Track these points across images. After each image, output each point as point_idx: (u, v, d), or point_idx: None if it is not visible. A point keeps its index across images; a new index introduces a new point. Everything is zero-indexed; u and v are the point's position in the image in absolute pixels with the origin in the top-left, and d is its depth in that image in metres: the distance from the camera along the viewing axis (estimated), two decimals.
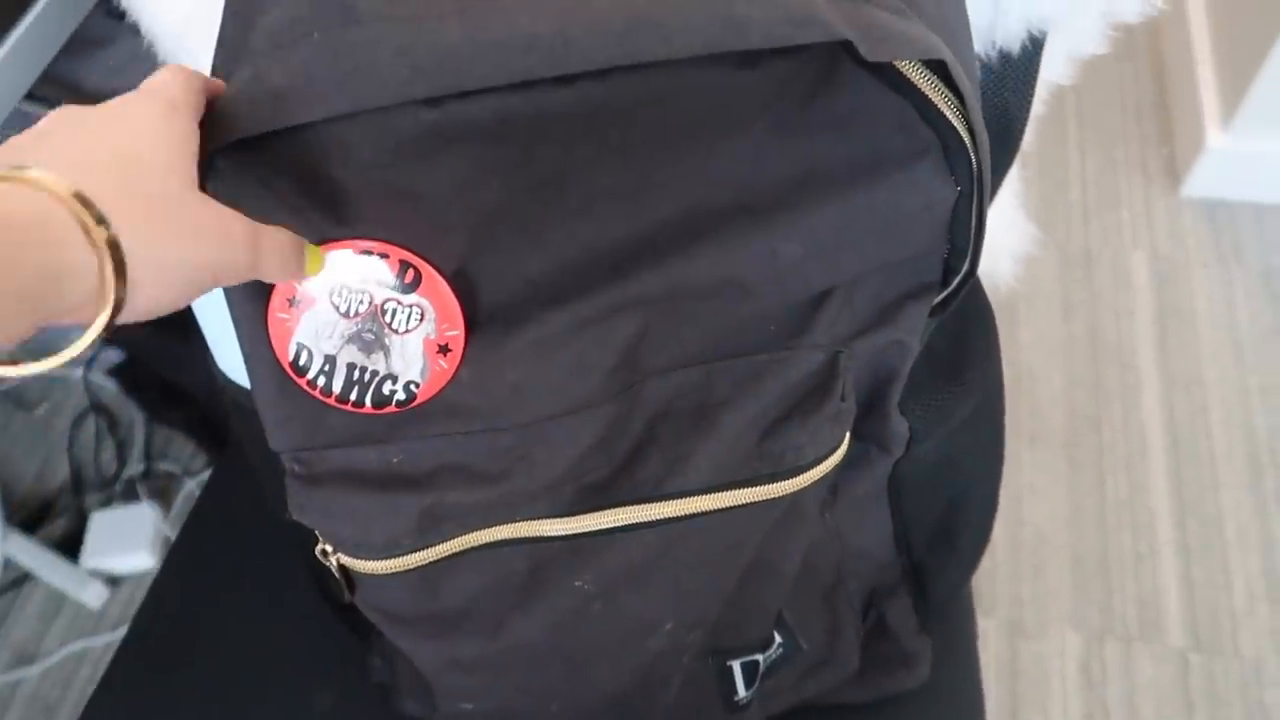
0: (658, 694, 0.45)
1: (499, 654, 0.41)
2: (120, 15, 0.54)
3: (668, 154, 0.33)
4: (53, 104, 0.99)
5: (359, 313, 0.36)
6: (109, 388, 1.05)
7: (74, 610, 0.98)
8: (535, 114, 0.31)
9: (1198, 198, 1.26)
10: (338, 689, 0.48)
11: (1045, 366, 1.11)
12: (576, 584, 0.39)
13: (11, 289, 0.22)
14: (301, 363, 0.36)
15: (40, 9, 0.53)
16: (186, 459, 1.04)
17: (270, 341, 0.36)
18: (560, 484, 0.38)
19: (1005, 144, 0.46)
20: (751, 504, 0.39)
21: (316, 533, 0.38)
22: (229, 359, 0.45)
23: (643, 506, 0.38)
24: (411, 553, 0.38)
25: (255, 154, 0.32)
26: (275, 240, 0.30)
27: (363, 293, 0.35)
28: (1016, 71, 0.44)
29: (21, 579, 0.99)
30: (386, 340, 0.36)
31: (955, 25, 0.36)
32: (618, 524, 0.38)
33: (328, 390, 0.37)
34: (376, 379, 0.37)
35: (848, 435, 0.40)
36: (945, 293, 0.40)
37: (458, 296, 0.35)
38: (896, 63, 0.32)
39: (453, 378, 0.36)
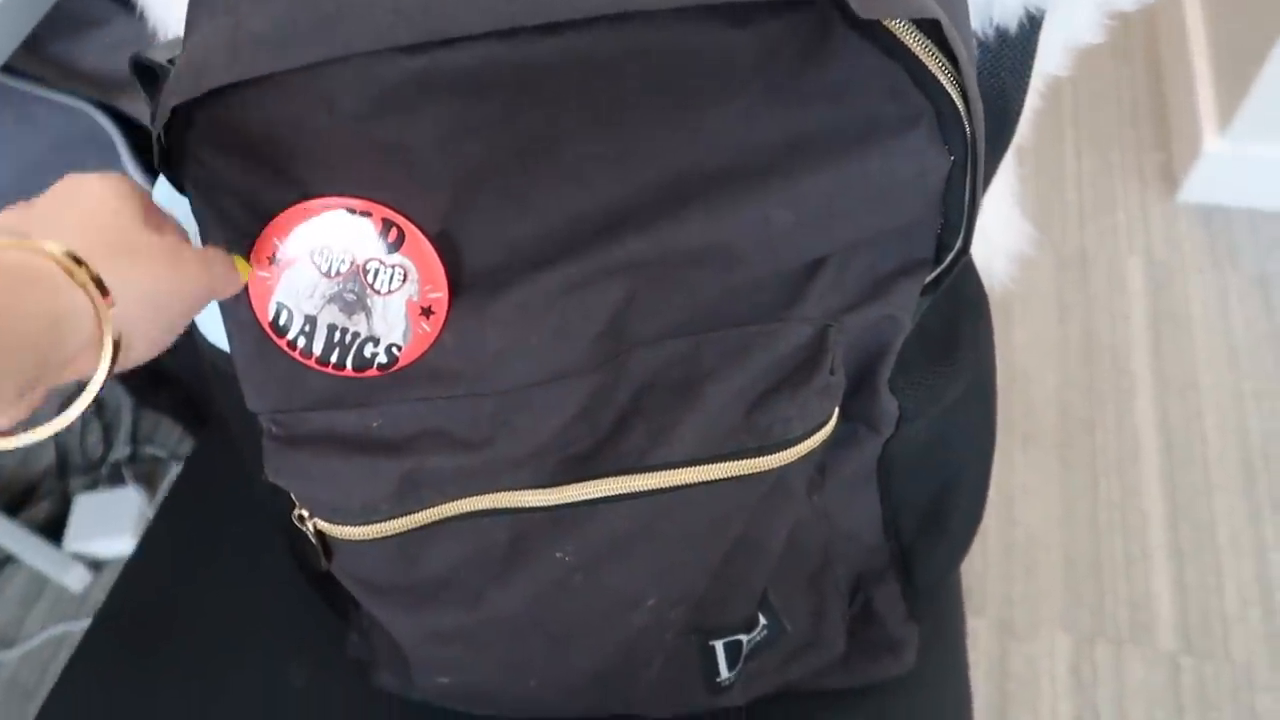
0: (639, 672, 0.44)
1: (478, 626, 0.40)
2: None
3: (657, 116, 0.33)
4: (49, 84, 0.97)
5: (340, 272, 0.35)
6: None
7: (56, 593, 0.97)
8: (520, 64, 0.30)
9: (1194, 202, 1.26)
10: (314, 665, 0.47)
11: (1039, 367, 1.11)
12: (558, 555, 0.39)
13: (16, 336, 0.25)
14: (281, 323, 0.36)
15: None
16: (173, 443, 1.03)
17: (250, 300, 0.36)
18: (543, 453, 0.37)
19: (1001, 127, 0.46)
20: (737, 478, 0.38)
21: (293, 497, 0.38)
22: (209, 322, 0.44)
23: (626, 478, 0.37)
24: (390, 519, 0.37)
25: (234, 108, 0.32)
26: (219, 257, 0.34)
27: (345, 252, 0.35)
28: (1013, 51, 0.43)
29: (3, 561, 0.98)
30: (368, 301, 0.36)
31: None
32: (600, 495, 0.38)
33: (308, 351, 0.36)
34: (358, 341, 0.36)
35: (836, 411, 0.39)
36: (938, 270, 0.40)
37: (441, 258, 0.35)
38: (889, 24, 0.31)
39: (435, 341, 0.36)
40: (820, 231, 0.36)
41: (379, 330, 0.36)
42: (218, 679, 0.48)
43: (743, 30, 0.31)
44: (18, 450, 1.05)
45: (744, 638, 0.45)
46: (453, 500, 0.38)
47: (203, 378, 0.47)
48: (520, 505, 0.38)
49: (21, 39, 0.59)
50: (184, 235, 0.33)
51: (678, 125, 0.33)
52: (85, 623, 0.93)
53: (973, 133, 0.35)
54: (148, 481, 1.02)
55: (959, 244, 0.38)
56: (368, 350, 0.36)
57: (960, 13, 0.38)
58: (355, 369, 0.36)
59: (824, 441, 0.39)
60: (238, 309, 0.35)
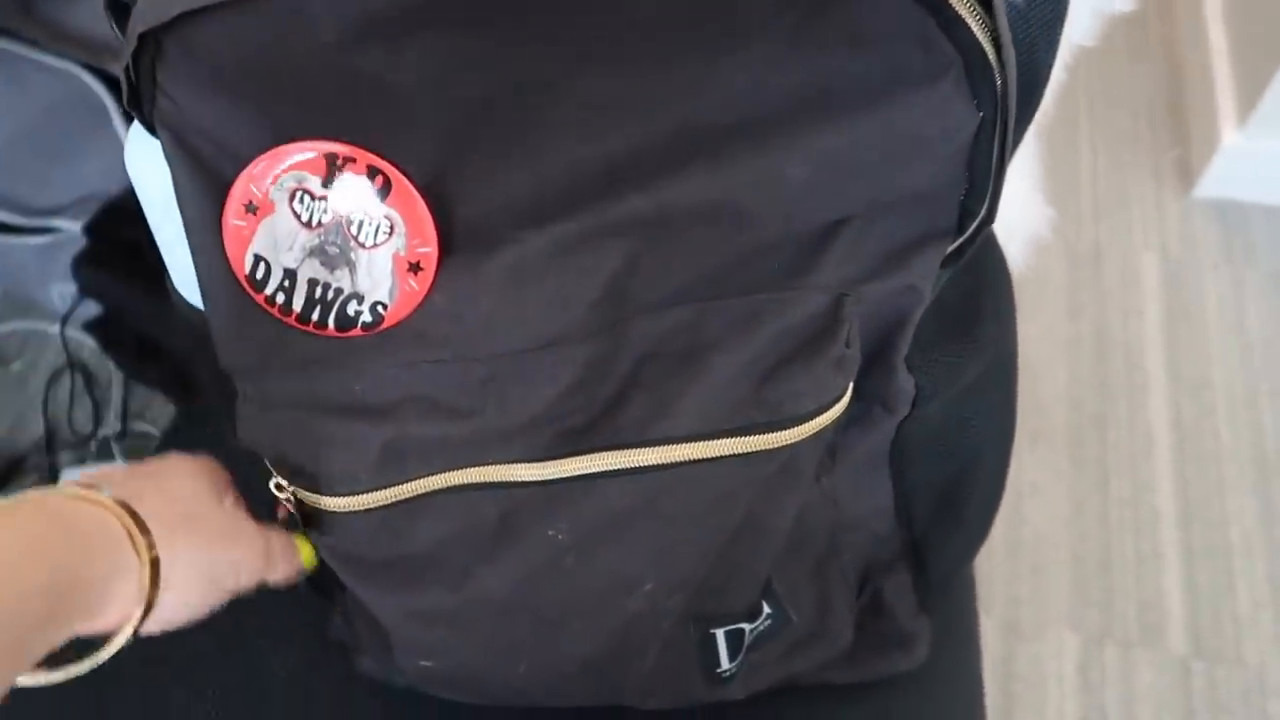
0: (634, 661, 0.42)
1: (464, 607, 0.38)
2: None
3: (666, 59, 0.30)
4: (41, 46, 0.95)
5: (322, 223, 0.33)
6: (89, 345, 1.02)
7: None
8: None
9: (1210, 199, 1.23)
10: (299, 650, 0.45)
11: (1050, 363, 1.08)
12: (550, 534, 0.36)
13: (68, 574, 0.28)
14: (259, 276, 0.33)
15: None
16: (164, 420, 1.01)
17: (225, 251, 0.33)
18: (536, 425, 0.35)
19: (1029, 91, 0.43)
20: (743, 455, 0.36)
21: (268, 463, 0.35)
22: (185, 275, 0.42)
23: (624, 452, 0.35)
24: (372, 491, 0.35)
25: (206, 35, 0.29)
26: (280, 538, 0.37)
27: (326, 200, 0.32)
28: (1045, 5, 0.41)
29: None
30: (352, 255, 0.33)
31: None
32: (597, 470, 0.35)
33: (287, 308, 0.34)
34: (340, 298, 0.34)
35: (850, 387, 0.37)
36: (961, 240, 0.37)
37: (431, 210, 0.32)
38: None
39: (423, 300, 0.33)
40: (837, 191, 0.33)
41: (363, 287, 0.33)
42: (198, 664, 0.45)
43: None
44: (3, 424, 1.03)
45: (746, 627, 0.43)
46: (440, 472, 0.35)
47: (195, 352, 0.45)
48: (511, 480, 0.36)
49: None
50: (250, 514, 0.36)
51: (687, 72, 0.30)
52: None
53: (1004, 87, 0.32)
54: (137, 458, 0.99)
55: (983, 211, 0.36)
56: (351, 308, 0.34)
57: None
58: (338, 328, 0.34)
59: (837, 419, 0.37)
60: (212, 260, 0.33)
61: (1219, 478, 0.99)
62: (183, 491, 0.34)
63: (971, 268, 0.42)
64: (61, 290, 0.96)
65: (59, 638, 0.28)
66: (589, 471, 0.35)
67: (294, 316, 0.34)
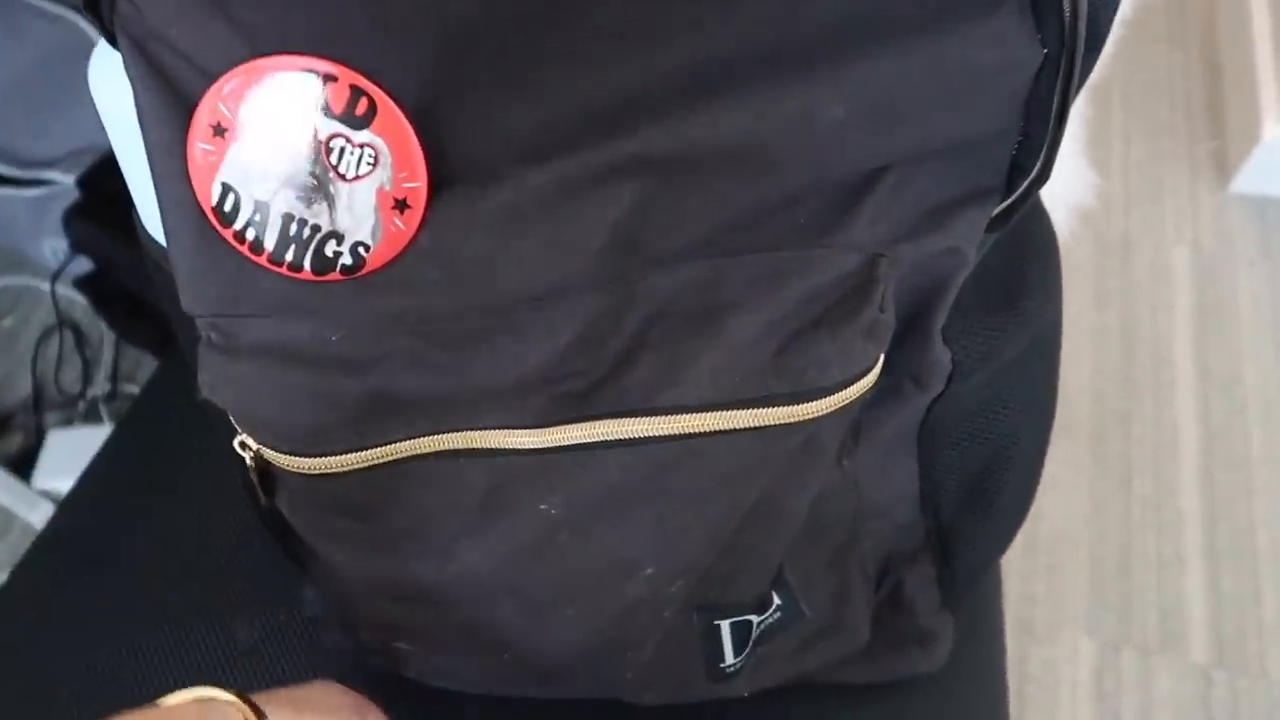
0: (631, 652, 0.38)
1: (444, 585, 0.34)
2: None
3: None
4: None
5: (298, 150, 0.29)
6: (81, 303, 0.99)
7: (21, 531, 0.92)
8: None
9: (1247, 193, 1.18)
10: (263, 622, 0.42)
11: (1074, 354, 1.04)
12: (542, 508, 0.33)
13: None
14: (227, 208, 0.30)
15: None
16: None
17: (189, 178, 0.30)
18: (531, 386, 0.31)
19: (1093, 37, 0.39)
20: (762, 428, 0.32)
21: (232, 419, 0.32)
22: (152, 210, 0.38)
23: (628, 420, 0.32)
24: (347, 453, 0.32)
25: None
26: None
27: (304, 124, 0.29)
28: None
29: None
30: (331, 188, 0.30)
31: None
32: (597, 439, 0.32)
33: (258, 246, 0.30)
34: (318, 236, 0.30)
35: (881, 357, 0.33)
36: (1010, 199, 0.34)
37: (420, 140, 0.29)
38: None
39: (410, 242, 0.30)
40: (876, 134, 0.29)
41: (343, 224, 0.30)
42: (155, 630, 0.42)
43: None
44: None
45: (754, 619, 0.39)
46: (423, 435, 0.32)
47: (168, 303, 0.42)
48: (501, 446, 0.32)
49: None
50: None
51: None
52: None
53: (1073, 19, 0.28)
54: None
55: (1037, 167, 0.32)
56: (329, 248, 0.30)
57: None
58: (315, 271, 0.30)
59: (865, 393, 0.33)
60: (175, 189, 0.30)
61: (1247, 480, 0.95)
62: (322, 706, 0.33)
63: (1017, 233, 0.38)
64: (54, 245, 0.93)
65: None
66: (588, 441, 0.32)
67: (265, 256, 0.30)
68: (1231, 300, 1.09)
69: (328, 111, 0.28)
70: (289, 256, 0.30)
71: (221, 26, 0.28)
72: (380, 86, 0.28)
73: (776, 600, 0.41)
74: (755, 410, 0.32)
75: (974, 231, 0.33)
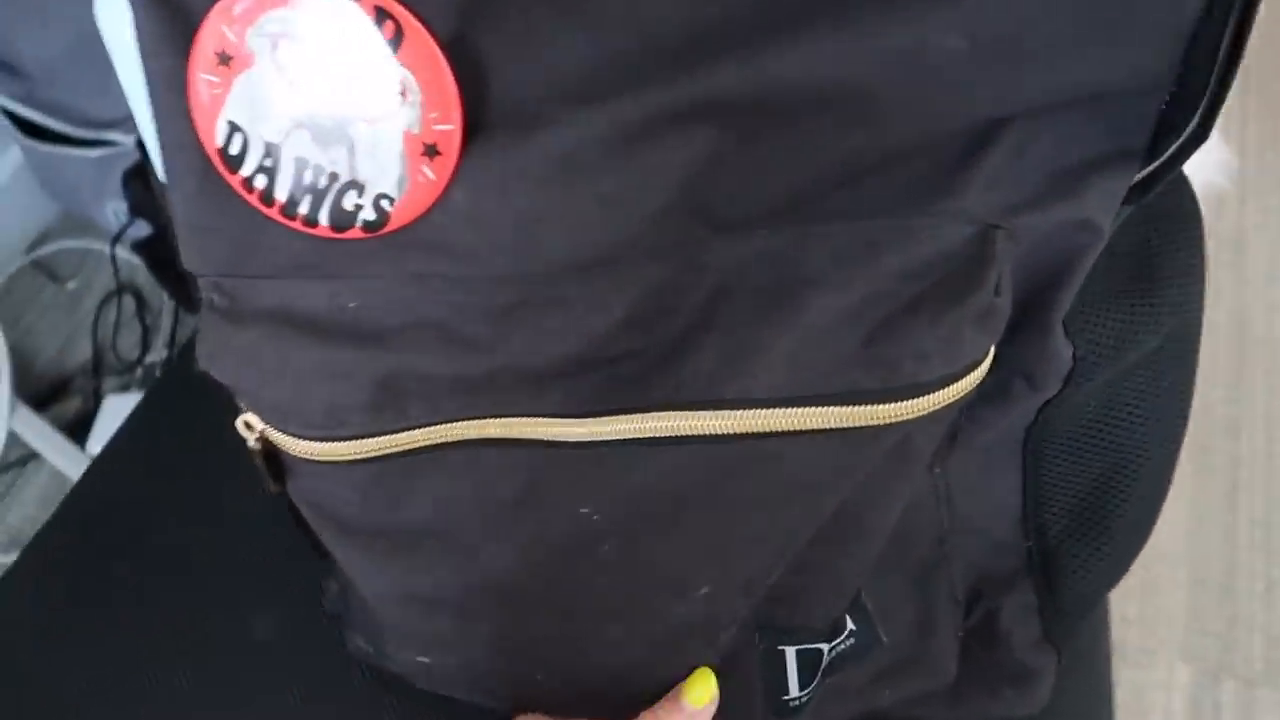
0: (680, 677, 0.34)
1: (468, 593, 0.30)
2: None
3: None
4: None
5: (314, 83, 0.25)
6: (143, 268, 0.99)
7: None
8: None
9: None
10: (282, 616, 0.38)
11: None
12: (583, 512, 0.28)
13: None
14: (233, 151, 0.26)
15: None
16: None
17: (191, 115, 0.26)
18: (576, 369, 0.27)
19: None
20: (845, 430, 0.27)
21: (235, 396, 0.28)
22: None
23: (688, 414, 0.27)
24: (363, 437, 0.28)
25: None
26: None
27: (320, 52, 0.25)
28: None
29: (26, 458, 0.93)
30: (351, 130, 0.25)
31: None
32: (650, 434, 0.27)
33: (269, 196, 0.26)
34: (335, 186, 0.26)
35: (992, 350, 0.28)
36: (1155, 164, 0.28)
37: (455, 74, 0.24)
38: None
39: (441, 196, 0.25)
40: (1001, 76, 0.24)
41: (364, 173, 0.26)
42: (166, 620, 0.39)
43: None
44: (53, 344, 1.01)
45: (825, 647, 0.34)
46: (450, 421, 0.28)
47: None
48: (539, 437, 0.28)
49: None
50: None
51: None
52: None
53: None
54: None
55: (1193, 124, 0.27)
56: (349, 201, 0.26)
57: None
58: (333, 226, 0.26)
59: (970, 392, 0.28)
60: (176, 127, 0.26)
61: None
62: None
63: (1154, 206, 0.32)
64: (116, 208, 0.92)
65: None
66: (639, 435, 0.27)
67: (277, 208, 0.26)
68: None
69: (347, 38, 0.24)
70: (303, 209, 0.26)
71: None
72: (408, 9, 0.24)
73: (850, 626, 0.36)
74: (838, 408, 0.27)
75: (1110, 201, 0.28)
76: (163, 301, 0.99)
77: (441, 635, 0.32)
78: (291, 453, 0.28)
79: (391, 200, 0.26)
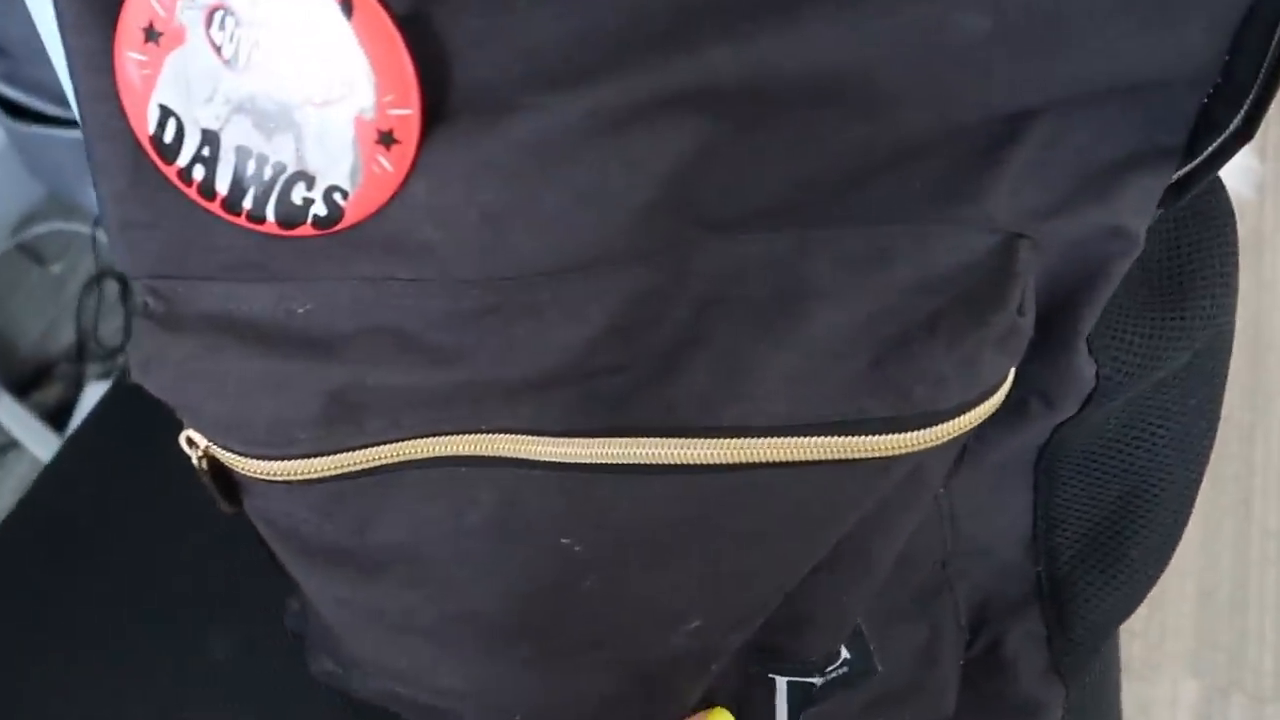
0: (669, 706, 0.31)
1: (440, 622, 0.28)
2: None
3: None
4: None
5: (253, 63, 0.23)
6: None
7: None
8: None
9: None
10: (242, 635, 0.36)
11: None
12: (563, 542, 0.26)
13: None
14: (167, 139, 0.23)
15: None
16: None
17: (119, 99, 0.23)
18: (552, 383, 0.24)
19: None
20: (850, 461, 0.24)
21: (174, 409, 0.26)
22: None
23: (678, 441, 0.24)
24: (315, 455, 0.25)
25: None
26: None
27: (259, 27, 0.22)
28: None
29: (6, 447, 0.91)
30: (298, 114, 0.23)
31: None
32: (636, 460, 0.25)
33: (209, 189, 0.24)
34: (283, 178, 0.23)
35: (1012, 372, 0.26)
36: (1192, 164, 0.25)
37: (412, 53, 0.22)
38: None
39: (400, 188, 0.23)
40: (1031, 62, 0.22)
41: (314, 163, 0.23)
42: (120, 637, 0.37)
43: None
44: (37, 328, 0.99)
45: (818, 681, 0.32)
46: (412, 438, 0.25)
47: None
48: (514, 455, 0.25)
49: None
50: None
51: None
52: None
53: None
54: None
55: (1238, 120, 0.24)
56: (297, 194, 0.23)
57: None
58: (281, 222, 0.24)
59: (988, 419, 0.25)
60: (103, 113, 0.23)
61: None
62: None
63: (1185, 210, 0.30)
64: None
65: None
66: (624, 461, 0.25)
67: (218, 201, 0.24)
68: None
69: (290, 12, 0.22)
70: (248, 203, 0.23)
71: None
72: None
73: (845, 654, 0.33)
74: (842, 438, 0.24)
75: (1145, 204, 0.25)
76: None
77: (411, 666, 0.30)
78: (240, 471, 0.26)
79: (345, 194, 0.23)
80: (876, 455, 0.24)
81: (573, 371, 0.24)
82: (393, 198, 0.23)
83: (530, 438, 0.25)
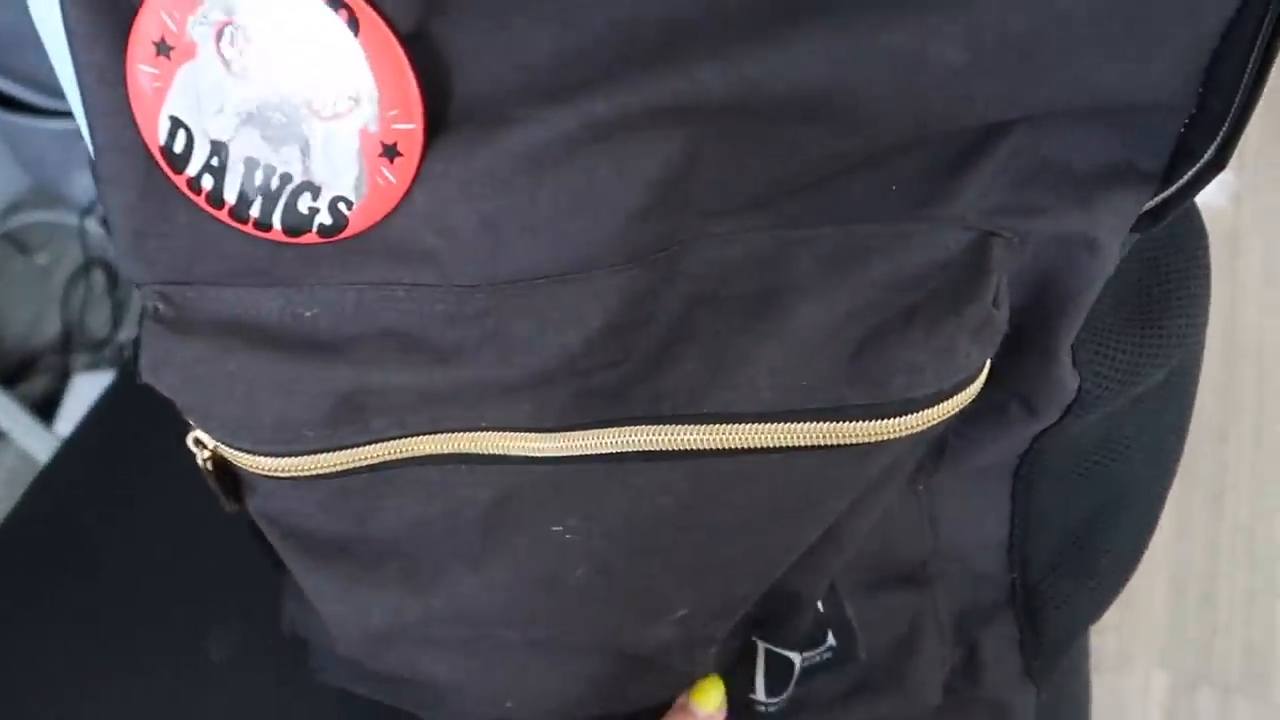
0: (651, 688, 0.33)
1: (433, 617, 0.29)
2: None
3: None
4: None
5: (262, 76, 0.23)
6: None
7: None
8: None
9: None
10: (241, 635, 0.36)
11: None
12: (555, 529, 0.27)
13: None
14: (177, 149, 0.24)
15: None
16: None
17: (130, 109, 0.24)
18: (549, 381, 0.25)
19: None
20: (829, 448, 0.26)
21: (181, 411, 0.26)
22: None
23: (667, 428, 0.25)
24: (320, 452, 0.26)
25: None
26: None
27: (267, 42, 0.23)
28: None
29: None
30: (304, 127, 0.24)
31: None
32: (628, 450, 0.26)
33: (217, 198, 0.24)
34: (289, 188, 0.24)
35: (987, 365, 0.27)
36: (1168, 192, 0.26)
37: (415, 70, 0.22)
38: None
39: (402, 199, 0.24)
40: (1004, 83, 0.23)
41: (320, 174, 0.24)
42: (117, 640, 0.37)
43: None
44: (22, 319, 0.98)
45: (796, 658, 0.33)
46: (415, 435, 0.26)
47: None
48: (510, 452, 0.26)
49: None
50: None
51: None
52: None
53: None
54: None
55: (1211, 152, 0.25)
56: (303, 204, 0.24)
57: None
58: (287, 231, 0.24)
59: (964, 409, 0.27)
60: (114, 125, 0.24)
61: None
62: None
63: (1162, 233, 0.31)
64: (86, 182, 0.90)
65: None
66: (617, 450, 0.26)
67: (227, 210, 0.24)
68: None
69: (299, 28, 0.22)
70: (255, 212, 0.24)
71: None
72: None
73: (830, 641, 0.35)
74: (825, 424, 0.25)
75: (1120, 222, 0.26)
76: None
77: (407, 657, 0.31)
78: (247, 469, 0.26)
79: (349, 203, 0.24)
80: (858, 441, 0.25)
81: (570, 369, 0.25)
82: (396, 207, 0.24)
83: (527, 434, 0.26)
